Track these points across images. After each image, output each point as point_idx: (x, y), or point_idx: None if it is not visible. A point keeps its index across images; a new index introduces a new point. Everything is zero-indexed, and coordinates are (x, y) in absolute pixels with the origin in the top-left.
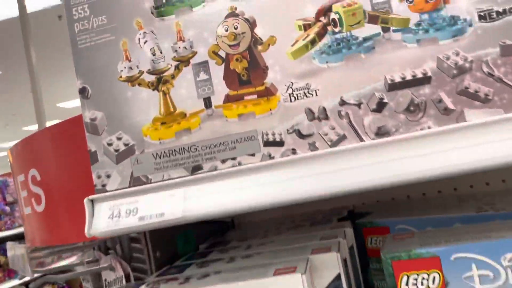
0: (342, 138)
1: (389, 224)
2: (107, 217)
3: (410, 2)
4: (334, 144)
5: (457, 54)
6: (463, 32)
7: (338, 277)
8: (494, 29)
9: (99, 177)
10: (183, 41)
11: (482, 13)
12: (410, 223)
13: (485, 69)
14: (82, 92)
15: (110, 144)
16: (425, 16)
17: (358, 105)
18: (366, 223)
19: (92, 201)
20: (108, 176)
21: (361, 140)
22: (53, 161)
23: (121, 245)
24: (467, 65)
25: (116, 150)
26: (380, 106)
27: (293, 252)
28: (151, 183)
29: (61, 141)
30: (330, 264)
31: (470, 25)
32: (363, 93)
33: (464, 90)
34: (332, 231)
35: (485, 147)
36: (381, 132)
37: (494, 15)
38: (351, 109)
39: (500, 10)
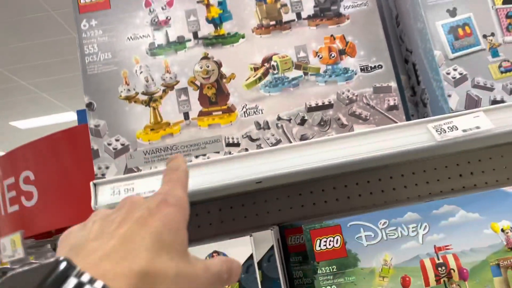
0: (278, 142)
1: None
2: (109, 194)
3: (320, 58)
4: (273, 145)
5: (348, 91)
6: (352, 78)
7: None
8: (369, 77)
9: (99, 168)
10: (170, 73)
11: (362, 67)
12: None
13: (365, 101)
14: (89, 106)
15: (109, 144)
16: (329, 67)
17: (289, 120)
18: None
19: (95, 184)
20: (107, 168)
21: (290, 142)
22: (48, 162)
23: None
24: (354, 98)
25: (115, 149)
26: (303, 122)
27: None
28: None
29: (53, 148)
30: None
31: (355, 74)
32: (292, 113)
33: (353, 113)
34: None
35: (366, 147)
36: (303, 138)
37: (369, 68)
38: (284, 123)
39: (373, 66)
